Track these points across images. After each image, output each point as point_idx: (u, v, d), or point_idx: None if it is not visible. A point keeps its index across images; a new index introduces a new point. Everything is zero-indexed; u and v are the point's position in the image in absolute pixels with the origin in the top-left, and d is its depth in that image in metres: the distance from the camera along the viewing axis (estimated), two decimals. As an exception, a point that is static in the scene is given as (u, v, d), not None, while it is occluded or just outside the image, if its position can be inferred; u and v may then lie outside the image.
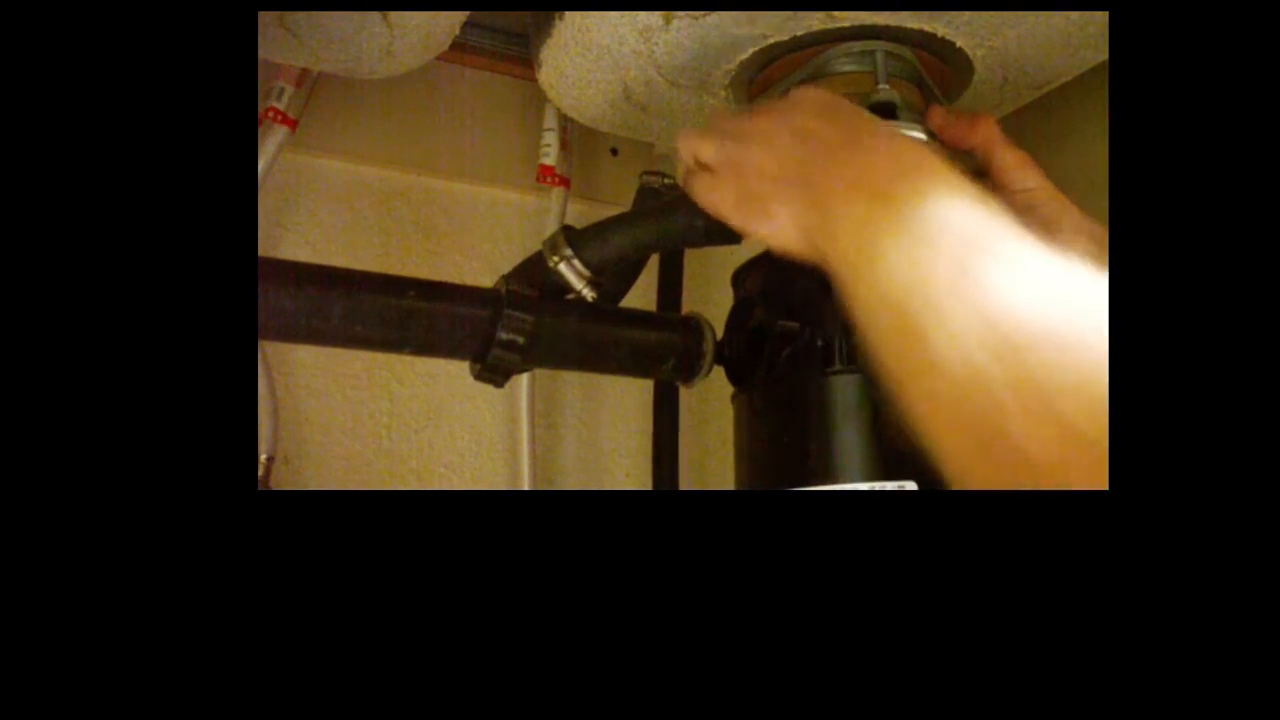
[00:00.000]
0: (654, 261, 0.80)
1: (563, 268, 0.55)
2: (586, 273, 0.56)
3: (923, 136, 0.54)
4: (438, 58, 0.63)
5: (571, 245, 0.56)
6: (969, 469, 0.31)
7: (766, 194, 0.45)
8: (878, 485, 0.48)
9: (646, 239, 0.57)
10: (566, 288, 0.56)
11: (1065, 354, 0.29)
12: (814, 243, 0.41)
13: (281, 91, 0.72)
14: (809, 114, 0.45)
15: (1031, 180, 0.52)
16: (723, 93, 0.63)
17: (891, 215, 0.36)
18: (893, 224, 0.36)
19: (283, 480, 0.74)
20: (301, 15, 0.56)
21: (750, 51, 0.58)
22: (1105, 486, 0.26)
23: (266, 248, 0.76)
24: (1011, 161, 0.52)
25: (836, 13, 0.54)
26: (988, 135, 0.53)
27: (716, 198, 0.48)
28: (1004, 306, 0.31)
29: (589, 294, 0.56)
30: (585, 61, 0.60)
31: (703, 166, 0.49)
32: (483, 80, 0.84)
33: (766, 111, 0.48)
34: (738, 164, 0.47)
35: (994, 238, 0.34)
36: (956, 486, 0.31)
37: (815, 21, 0.54)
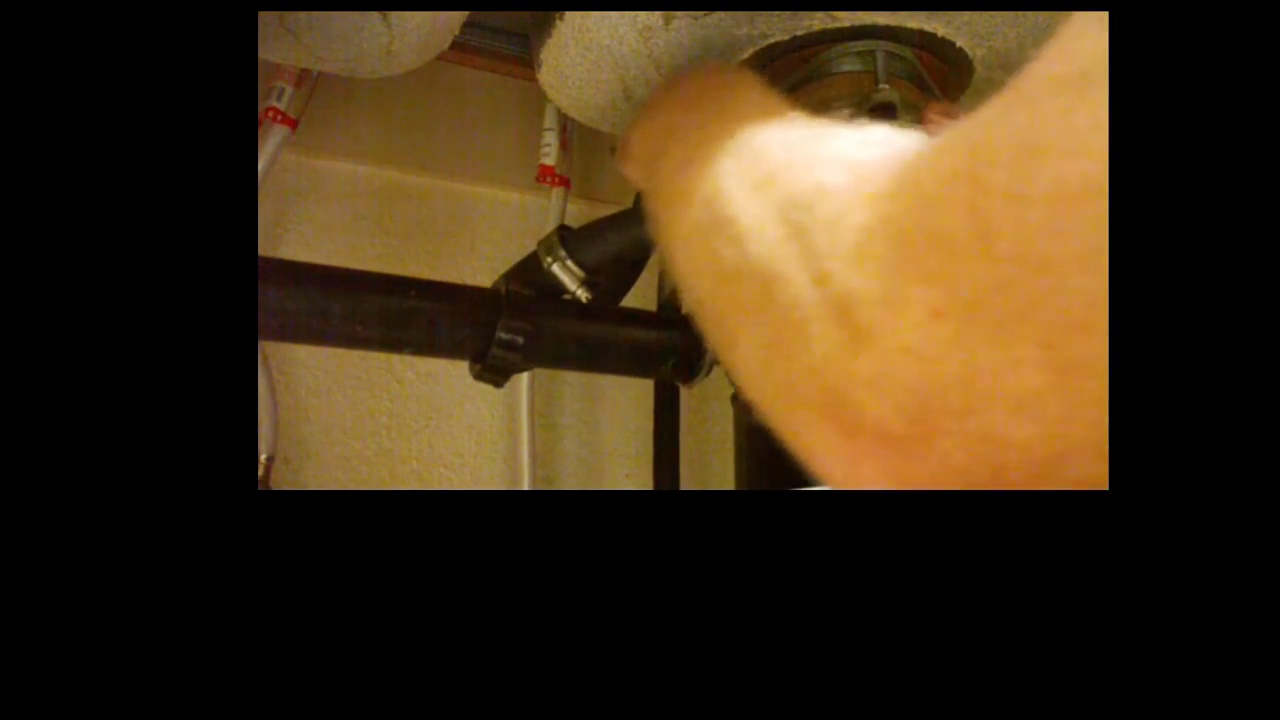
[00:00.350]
0: (654, 261, 0.80)
1: (556, 269, 0.56)
2: (581, 273, 0.56)
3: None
4: (438, 58, 0.63)
5: (566, 246, 0.56)
6: (765, 372, 0.30)
7: (636, 142, 0.49)
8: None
9: (642, 238, 0.57)
10: (562, 288, 0.56)
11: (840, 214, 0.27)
12: (642, 163, 0.44)
13: (281, 91, 0.71)
14: (687, 76, 0.49)
15: None
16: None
17: (693, 122, 0.39)
18: (690, 129, 0.38)
19: (283, 480, 0.74)
20: (301, 15, 0.56)
21: (750, 51, 0.57)
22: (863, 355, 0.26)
23: (266, 248, 0.76)
24: None
25: (837, 13, 0.53)
26: None
27: (621, 161, 0.53)
28: (795, 189, 0.30)
29: (584, 295, 0.56)
30: (585, 61, 0.60)
31: None
32: (483, 80, 0.84)
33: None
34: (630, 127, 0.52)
35: (797, 137, 0.34)
36: (759, 407, 0.31)
37: (815, 21, 0.54)
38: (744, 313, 0.31)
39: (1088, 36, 0.23)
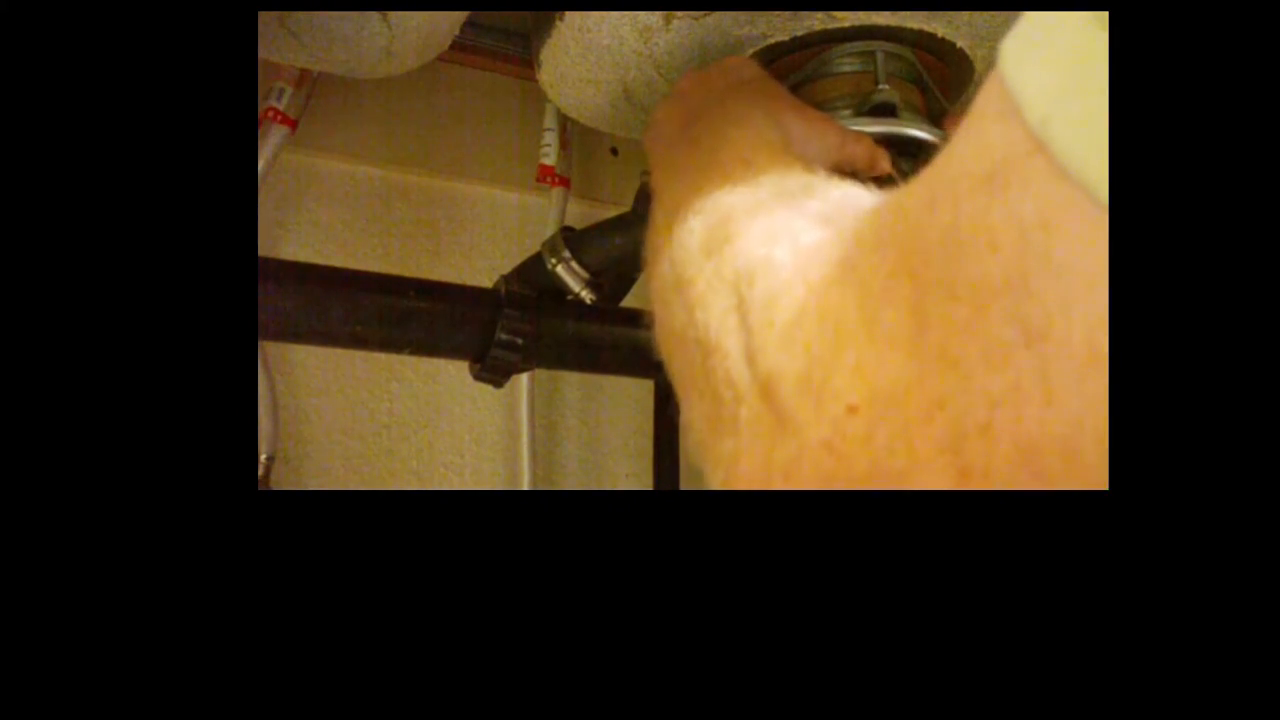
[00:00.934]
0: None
1: (560, 270, 0.55)
2: (585, 275, 0.56)
3: (926, 136, 0.54)
4: (438, 58, 0.63)
5: (570, 247, 0.56)
6: (706, 444, 0.31)
7: (659, 146, 0.47)
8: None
9: (644, 240, 0.57)
10: (565, 290, 0.56)
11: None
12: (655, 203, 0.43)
13: (281, 91, 0.72)
14: (715, 74, 0.48)
15: None
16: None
17: (688, 165, 0.38)
18: (683, 174, 0.38)
19: (283, 480, 0.74)
20: (301, 15, 0.56)
21: (750, 52, 0.58)
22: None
23: (266, 248, 0.76)
24: None
25: (837, 13, 0.54)
26: None
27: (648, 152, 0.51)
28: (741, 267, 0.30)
29: (588, 296, 0.56)
30: (585, 61, 0.60)
31: None
32: (483, 80, 0.84)
33: (697, 70, 0.51)
34: (653, 117, 0.51)
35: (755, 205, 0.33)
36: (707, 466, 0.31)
37: (815, 22, 0.54)
38: (692, 379, 0.31)
39: (994, 124, 0.23)
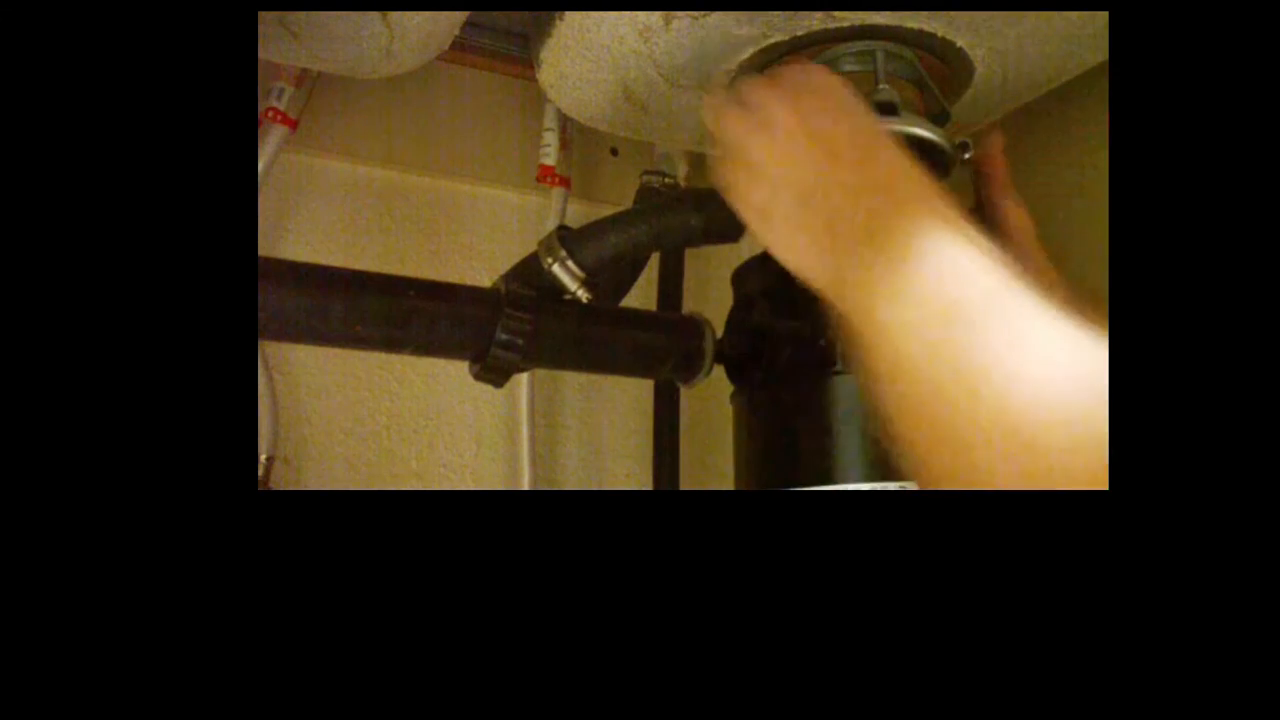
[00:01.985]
0: (654, 261, 0.80)
1: (556, 269, 0.55)
2: (581, 274, 0.55)
3: (929, 135, 0.54)
4: (438, 58, 0.63)
5: (566, 246, 0.55)
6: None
7: (783, 212, 0.44)
8: (880, 485, 0.48)
9: (642, 239, 0.56)
10: (561, 289, 0.56)
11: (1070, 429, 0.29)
12: (828, 286, 0.42)
13: (281, 91, 0.72)
14: (819, 111, 0.45)
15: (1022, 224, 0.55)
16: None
17: (892, 274, 0.37)
18: (891, 284, 0.37)
19: (283, 480, 0.74)
20: (301, 15, 0.56)
21: (750, 51, 0.58)
22: None
23: (266, 248, 0.76)
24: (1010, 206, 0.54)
25: (837, 13, 0.54)
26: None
27: (738, 200, 0.47)
28: (994, 374, 0.32)
29: (584, 295, 0.56)
30: (585, 61, 0.60)
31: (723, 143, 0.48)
32: (483, 80, 0.84)
33: (781, 89, 0.46)
34: (750, 159, 0.46)
35: (986, 295, 0.34)
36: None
37: (815, 21, 0.54)
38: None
39: None
